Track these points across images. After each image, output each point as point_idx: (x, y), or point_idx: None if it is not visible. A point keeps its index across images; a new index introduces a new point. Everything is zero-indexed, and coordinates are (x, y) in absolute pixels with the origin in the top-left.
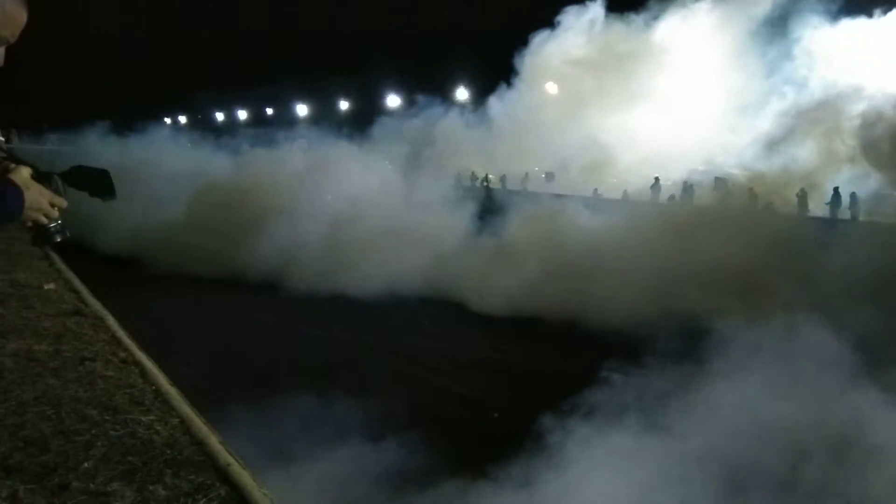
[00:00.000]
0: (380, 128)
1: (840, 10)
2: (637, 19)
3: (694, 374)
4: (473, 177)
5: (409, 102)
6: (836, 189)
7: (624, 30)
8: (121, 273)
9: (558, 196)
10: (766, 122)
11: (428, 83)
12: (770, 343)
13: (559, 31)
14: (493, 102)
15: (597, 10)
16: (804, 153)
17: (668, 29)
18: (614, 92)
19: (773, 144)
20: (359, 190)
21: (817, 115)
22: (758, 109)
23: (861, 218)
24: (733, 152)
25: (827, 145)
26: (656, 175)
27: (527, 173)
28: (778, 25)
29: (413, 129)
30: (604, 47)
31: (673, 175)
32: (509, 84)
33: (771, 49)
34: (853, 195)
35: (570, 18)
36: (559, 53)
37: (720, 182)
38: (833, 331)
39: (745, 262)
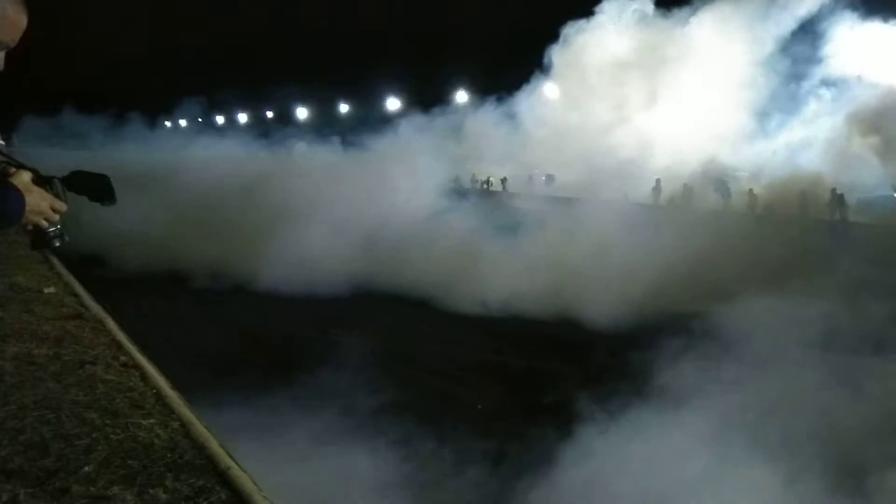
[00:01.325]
0: (407, 126)
1: (873, 11)
2: (672, 16)
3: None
4: (474, 178)
5: (412, 103)
6: (833, 191)
7: (653, 29)
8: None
9: (558, 199)
10: (796, 123)
11: (456, 82)
12: (753, 340)
13: (584, 29)
14: (499, 103)
15: (631, 8)
16: (811, 155)
17: (697, 29)
18: (637, 92)
19: (795, 148)
20: (357, 190)
21: (845, 117)
22: (789, 112)
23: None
24: (748, 155)
25: (843, 146)
26: (657, 177)
27: (530, 176)
28: (809, 27)
29: (441, 127)
30: (630, 46)
31: (689, 178)
32: (517, 87)
33: (803, 50)
34: (841, 197)
35: (595, 18)
36: (583, 52)
37: (721, 184)
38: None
39: (735, 263)
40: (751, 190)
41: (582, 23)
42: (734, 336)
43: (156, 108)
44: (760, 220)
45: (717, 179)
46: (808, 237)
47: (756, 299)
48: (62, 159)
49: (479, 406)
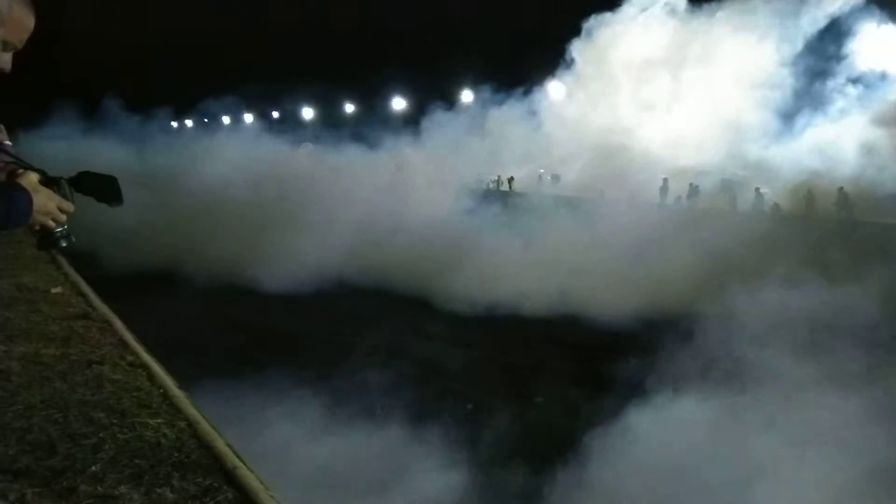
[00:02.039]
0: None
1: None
2: (698, 11)
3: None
4: (480, 179)
5: (419, 103)
6: (840, 189)
7: (674, 25)
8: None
9: (564, 198)
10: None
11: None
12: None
13: (604, 23)
14: (505, 103)
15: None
16: (831, 153)
17: (721, 26)
18: (656, 91)
19: (816, 146)
20: (361, 190)
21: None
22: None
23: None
24: (764, 155)
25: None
26: (664, 176)
27: (540, 175)
28: (834, 23)
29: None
30: (650, 44)
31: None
32: (524, 87)
33: (824, 46)
34: (846, 195)
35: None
36: (605, 48)
37: (726, 184)
38: None
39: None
40: (757, 189)
41: (600, 18)
42: (731, 335)
43: (161, 108)
44: (759, 220)
45: (725, 179)
46: (806, 236)
47: (746, 297)
48: (64, 158)
49: (469, 406)
